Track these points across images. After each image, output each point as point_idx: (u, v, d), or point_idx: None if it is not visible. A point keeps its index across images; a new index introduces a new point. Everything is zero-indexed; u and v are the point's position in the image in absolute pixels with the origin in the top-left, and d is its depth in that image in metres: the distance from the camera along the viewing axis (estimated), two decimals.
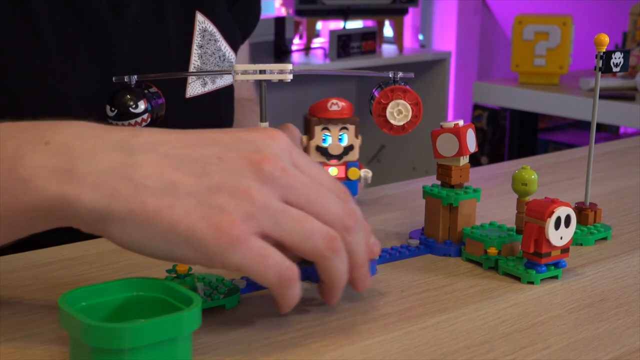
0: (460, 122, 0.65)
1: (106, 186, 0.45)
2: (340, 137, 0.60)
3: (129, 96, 0.61)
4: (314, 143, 0.60)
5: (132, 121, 0.61)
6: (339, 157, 0.60)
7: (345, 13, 2.68)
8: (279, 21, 2.51)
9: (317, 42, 2.80)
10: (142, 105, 0.61)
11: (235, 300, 0.54)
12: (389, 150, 3.06)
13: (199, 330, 0.49)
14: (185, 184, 0.45)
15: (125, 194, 0.45)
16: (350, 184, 0.61)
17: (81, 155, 0.46)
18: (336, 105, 0.60)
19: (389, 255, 0.64)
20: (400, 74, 0.61)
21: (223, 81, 0.83)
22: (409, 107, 0.60)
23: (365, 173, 0.60)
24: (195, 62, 0.80)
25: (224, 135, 0.48)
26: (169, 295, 0.46)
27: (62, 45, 0.71)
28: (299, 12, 2.62)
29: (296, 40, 2.70)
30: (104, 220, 0.45)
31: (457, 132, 0.63)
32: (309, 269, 0.59)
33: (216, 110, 0.84)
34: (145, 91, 0.62)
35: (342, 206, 0.50)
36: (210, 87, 0.82)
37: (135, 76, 0.62)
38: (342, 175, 0.61)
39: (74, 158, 0.45)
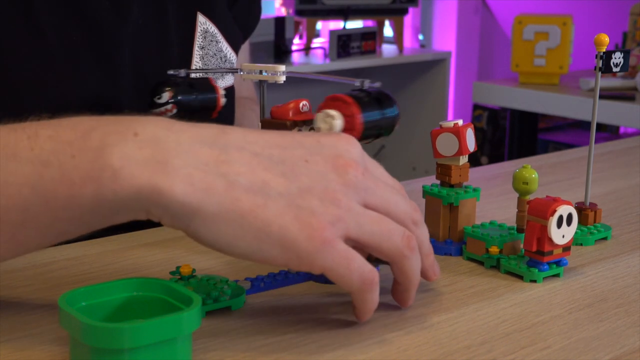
0: (460, 122, 0.65)
1: (200, 180, 0.44)
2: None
3: (156, 87, 0.63)
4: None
5: (157, 110, 0.62)
6: None
7: (345, 13, 2.68)
8: (279, 21, 2.51)
9: (317, 42, 2.80)
10: (165, 96, 0.62)
11: (241, 301, 0.54)
12: (389, 150, 3.06)
13: (199, 331, 0.49)
14: (276, 184, 0.46)
15: (219, 190, 0.45)
16: None
17: (173, 148, 0.45)
18: (306, 106, 0.60)
19: None
20: (367, 83, 0.60)
21: (225, 82, 0.83)
22: (337, 118, 0.56)
23: None
24: (196, 63, 0.80)
25: (306, 138, 0.49)
26: (169, 295, 0.46)
27: (64, 46, 0.71)
28: (299, 12, 2.62)
29: (296, 40, 2.70)
30: (193, 216, 0.45)
31: (457, 132, 0.63)
32: None
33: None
34: (187, 83, 0.64)
35: (409, 203, 0.52)
36: None
37: (183, 70, 0.64)
38: None
39: (166, 150, 0.45)
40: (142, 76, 0.76)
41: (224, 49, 0.82)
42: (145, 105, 0.76)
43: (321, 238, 0.45)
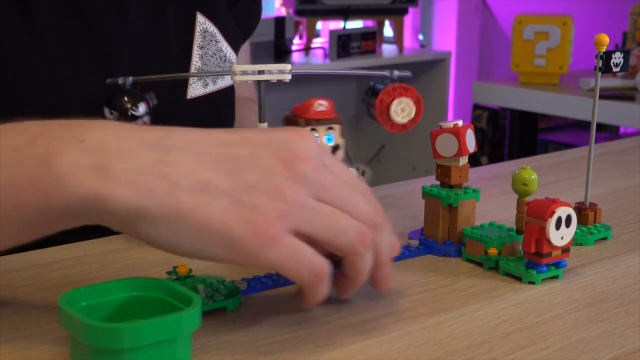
0: (460, 122, 0.65)
1: (141, 184, 0.45)
2: (328, 137, 0.60)
3: (126, 98, 0.61)
4: None
5: (137, 123, 0.60)
6: None
7: (345, 13, 2.68)
8: (279, 21, 2.51)
9: (317, 42, 2.80)
10: (142, 108, 0.61)
11: (237, 301, 0.54)
12: (389, 150, 3.06)
13: (199, 331, 0.49)
14: (220, 183, 0.46)
15: (160, 192, 0.45)
16: None
17: (116, 154, 0.46)
18: (322, 105, 0.61)
19: None
20: (397, 73, 0.61)
21: (224, 82, 0.83)
22: (412, 104, 0.61)
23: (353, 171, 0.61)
24: (196, 63, 0.80)
25: (256, 134, 0.49)
26: (169, 295, 0.46)
27: (63, 46, 0.71)
28: (299, 12, 2.62)
29: (296, 40, 2.70)
30: (138, 219, 0.45)
31: (457, 132, 0.63)
32: None
33: (217, 111, 0.84)
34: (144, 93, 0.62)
35: (372, 204, 0.51)
36: (211, 88, 0.82)
37: (131, 78, 0.62)
38: None
39: (110, 156, 0.45)
40: (142, 76, 0.76)
41: (223, 48, 0.82)
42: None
43: (265, 234, 0.45)
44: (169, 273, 0.56)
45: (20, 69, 0.70)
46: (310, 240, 0.48)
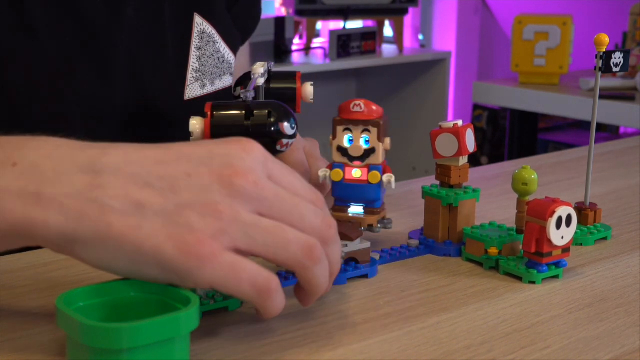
0: (459, 122, 0.65)
1: (72, 209, 0.45)
2: (364, 139, 0.60)
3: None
4: (335, 143, 0.61)
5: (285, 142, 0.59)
6: (361, 159, 0.60)
7: (345, 13, 2.68)
8: (279, 21, 2.51)
9: (317, 42, 2.80)
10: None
11: (237, 302, 0.54)
12: (389, 150, 3.06)
13: (199, 331, 0.49)
14: (152, 204, 0.45)
15: (91, 216, 0.44)
16: (371, 188, 0.61)
17: (48, 178, 0.45)
18: (358, 106, 0.60)
19: (389, 256, 0.63)
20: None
21: (222, 83, 0.83)
22: None
23: (389, 177, 0.61)
24: (193, 64, 0.80)
25: (196, 149, 0.48)
26: (167, 296, 0.46)
27: (58, 46, 0.71)
28: (299, 12, 2.62)
29: (296, 40, 2.70)
30: (72, 243, 0.45)
31: (457, 132, 0.63)
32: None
33: None
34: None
35: (320, 217, 0.49)
36: (209, 89, 0.82)
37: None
38: (365, 177, 0.61)
39: (41, 180, 0.45)
40: (138, 77, 0.75)
41: (221, 49, 0.82)
42: (139, 107, 0.75)
43: (198, 254, 0.44)
44: None
45: (15, 69, 0.70)
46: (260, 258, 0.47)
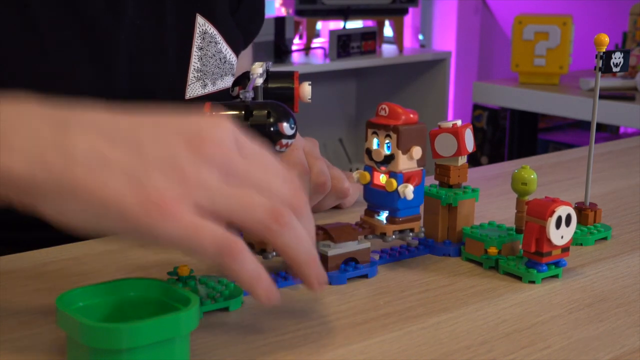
0: (459, 122, 0.65)
1: (37, 157, 0.44)
2: (387, 144, 0.60)
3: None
4: (366, 146, 0.61)
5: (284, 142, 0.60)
6: (385, 164, 0.60)
7: (345, 13, 2.68)
8: (279, 21, 2.51)
9: (317, 42, 2.80)
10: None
11: (238, 302, 0.54)
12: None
13: (199, 331, 0.49)
14: (118, 161, 0.45)
15: (56, 166, 0.44)
16: (390, 195, 0.60)
17: (16, 127, 0.45)
18: (383, 110, 0.60)
19: (389, 256, 0.63)
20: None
21: (224, 83, 0.84)
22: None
23: (403, 188, 0.59)
24: (195, 64, 0.80)
25: (170, 119, 0.48)
26: (167, 296, 0.46)
27: (59, 45, 0.71)
28: (299, 12, 2.62)
29: (296, 40, 2.70)
30: (34, 193, 0.45)
31: (456, 132, 0.63)
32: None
33: None
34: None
35: (290, 188, 0.48)
36: (210, 89, 0.82)
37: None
38: (385, 184, 0.60)
39: (10, 131, 0.45)
40: (139, 77, 0.76)
41: (223, 50, 0.82)
42: (140, 105, 0.76)
43: (160, 210, 0.44)
44: (169, 274, 0.56)
45: (16, 66, 0.70)
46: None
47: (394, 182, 0.59)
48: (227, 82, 0.84)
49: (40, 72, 0.70)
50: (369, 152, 0.60)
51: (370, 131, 0.60)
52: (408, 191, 0.59)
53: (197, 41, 0.80)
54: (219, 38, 0.82)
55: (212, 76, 0.81)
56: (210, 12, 0.81)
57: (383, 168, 0.60)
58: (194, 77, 0.80)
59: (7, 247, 0.68)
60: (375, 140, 0.60)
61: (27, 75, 0.70)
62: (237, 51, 0.86)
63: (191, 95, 0.80)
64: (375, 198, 0.61)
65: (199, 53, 0.80)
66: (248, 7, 0.88)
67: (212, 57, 0.81)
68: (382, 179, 0.60)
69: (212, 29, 0.81)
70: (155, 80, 0.77)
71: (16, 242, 0.70)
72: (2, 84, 0.69)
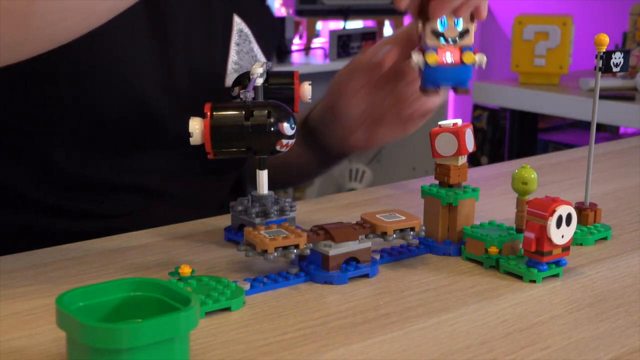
0: (459, 122, 0.65)
1: None
2: (455, 21, 0.65)
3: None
4: (429, 26, 0.64)
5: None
6: (454, 41, 0.65)
7: (345, 13, 2.68)
8: (279, 21, 2.51)
9: (317, 42, 2.80)
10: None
11: (240, 302, 0.54)
12: (389, 150, 3.06)
13: (200, 331, 0.49)
14: None
15: None
16: (464, 68, 0.65)
17: None
18: None
19: (389, 255, 0.63)
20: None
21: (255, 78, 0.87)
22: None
23: (480, 57, 0.65)
24: (233, 57, 0.85)
25: None
26: (166, 296, 0.46)
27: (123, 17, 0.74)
28: (299, 12, 2.62)
29: (296, 40, 2.70)
30: None
31: (457, 132, 0.63)
32: (309, 267, 0.59)
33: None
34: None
35: None
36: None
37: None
38: (457, 59, 0.65)
39: None
40: (192, 62, 0.80)
41: (254, 49, 0.88)
42: (190, 83, 0.80)
43: None
44: (171, 274, 0.56)
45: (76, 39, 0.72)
46: None
47: (472, 54, 0.65)
48: (257, 81, 0.88)
49: (102, 44, 0.73)
50: (435, 32, 0.65)
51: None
52: (485, 60, 0.65)
53: (234, 37, 0.85)
54: (251, 38, 0.88)
55: (246, 70, 0.84)
56: (245, 13, 0.87)
57: (451, 45, 0.65)
58: (232, 68, 0.84)
59: (7, 247, 0.68)
60: (438, 22, 0.65)
61: (89, 50, 0.71)
62: (266, 53, 0.91)
63: (229, 83, 0.84)
64: (441, 75, 0.66)
65: (237, 49, 0.85)
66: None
67: (247, 54, 0.86)
68: (448, 56, 0.65)
69: (246, 28, 0.87)
70: (204, 66, 0.82)
71: (16, 242, 0.70)
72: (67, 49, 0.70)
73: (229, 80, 0.84)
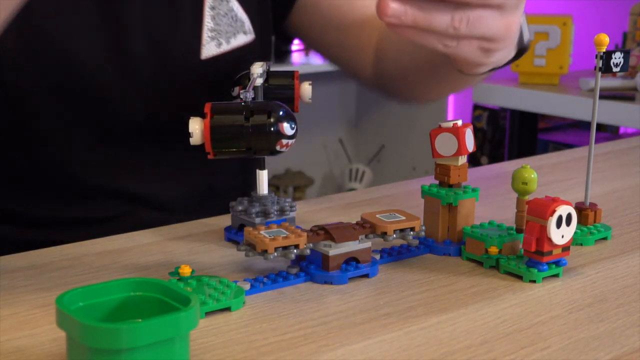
0: (459, 122, 0.65)
1: None
2: None
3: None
4: None
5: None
6: None
7: None
8: None
9: None
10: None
11: (240, 302, 0.54)
12: (389, 150, 3.06)
13: (200, 331, 0.49)
14: None
15: None
16: None
17: None
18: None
19: (389, 255, 0.63)
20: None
21: (237, 41, 0.83)
22: None
23: None
24: (208, 23, 0.80)
25: None
26: (166, 296, 0.46)
27: (74, 10, 0.72)
28: None
29: (296, 40, 2.70)
30: None
31: (457, 132, 0.63)
32: (309, 267, 0.59)
33: (233, 70, 0.81)
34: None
35: None
36: (225, 48, 0.81)
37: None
38: None
39: None
40: (154, 39, 0.76)
41: (234, 8, 0.82)
42: (156, 65, 0.76)
43: None
44: (171, 274, 0.56)
45: (29, 26, 0.70)
46: None
47: None
48: (240, 40, 0.83)
49: (53, 33, 0.71)
50: None
51: None
52: None
53: (208, 1, 0.80)
54: None
55: (225, 35, 0.81)
56: None
57: None
58: (209, 37, 0.80)
59: (7, 247, 0.68)
60: None
61: (39, 36, 0.70)
62: (247, 8, 0.84)
63: (207, 55, 0.80)
64: None
65: (212, 12, 0.80)
66: None
67: (225, 15, 0.81)
68: None
69: None
70: (171, 41, 0.77)
71: (16, 242, 0.70)
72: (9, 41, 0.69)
73: (206, 51, 0.80)
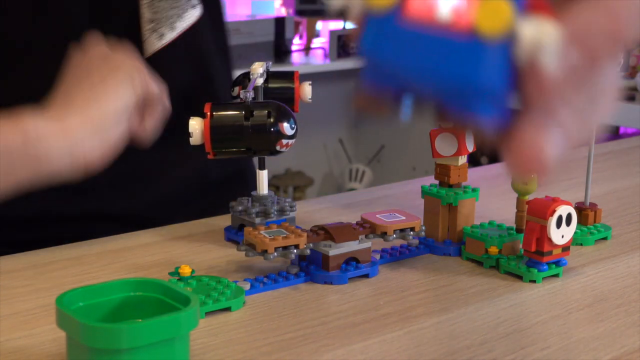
0: None
1: None
2: None
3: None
4: None
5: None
6: None
7: (345, 13, 2.68)
8: (279, 21, 2.51)
9: (317, 42, 2.80)
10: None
11: (240, 302, 0.54)
12: (389, 150, 3.06)
13: (199, 331, 0.49)
14: None
15: None
16: (476, 49, 0.29)
17: None
18: None
19: (389, 255, 0.63)
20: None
21: (185, 22, 0.73)
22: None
23: (537, 29, 0.29)
24: (144, 15, 0.71)
25: None
26: (166, 296, 0.46)
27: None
28: (299, 12, 2.63)
29: (296, 41, 2.70)
30: None
31: (457, 132, 0.63)
32: (310, 267, 0.59)
33: (193, 52, 0.77)
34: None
35: None
36: (170, 37, 0.72)
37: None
38: (466, 18, 0.34)
39: None
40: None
41: None
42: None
43: None
44: (171, 274, 0.56)
45: None
46: None
47: (507, 8, 0.29)
48: (188, 19, 0.73)
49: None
50: None
51: None
52: (550, 37, 0.29)
53: None
54: None
55: (168, 21, 0.72)
56: None
57: None
58: (148, 30, 0.71)
59: (7, 247, 0.68)
60: None
61: None
62: None
63: (150, 51, 0.71)
64: (417, 54, 0.30)
65: (147, 1, 0.70)
66: None
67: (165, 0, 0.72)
68: (443, 4, 0.30)
69: None
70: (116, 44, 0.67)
71: (16, 242, 0.70)
72: None
73: (149, 47, 0.71)
